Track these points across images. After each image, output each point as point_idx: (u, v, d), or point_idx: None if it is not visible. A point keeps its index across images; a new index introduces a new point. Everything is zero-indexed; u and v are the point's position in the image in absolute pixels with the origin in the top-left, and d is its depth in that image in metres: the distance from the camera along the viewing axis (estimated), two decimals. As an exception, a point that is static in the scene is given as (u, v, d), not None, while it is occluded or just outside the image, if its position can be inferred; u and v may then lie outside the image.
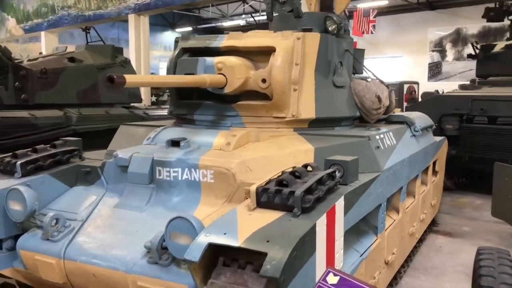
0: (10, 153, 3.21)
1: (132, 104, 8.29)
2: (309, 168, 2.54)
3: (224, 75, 3.25)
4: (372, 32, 18.09)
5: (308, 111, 3.40)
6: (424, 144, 4.54)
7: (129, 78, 2.32)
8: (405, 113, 4.65)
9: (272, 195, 2.20)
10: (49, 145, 3.38)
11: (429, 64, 22.91)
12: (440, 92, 7.71)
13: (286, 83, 3.27)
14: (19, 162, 3.01)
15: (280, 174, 2.43)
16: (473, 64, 21.07)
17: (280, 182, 2.26)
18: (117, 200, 2.98)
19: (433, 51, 22.86)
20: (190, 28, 28.90)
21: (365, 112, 3.82)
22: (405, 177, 3.77)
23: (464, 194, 7.63)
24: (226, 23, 27.79)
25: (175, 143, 3.02)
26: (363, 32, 16.25)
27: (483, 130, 6.65)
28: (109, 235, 2.67)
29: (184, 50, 3.60)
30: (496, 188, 4.03)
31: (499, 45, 8.33)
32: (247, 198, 2.67)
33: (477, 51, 8.47)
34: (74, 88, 6.82)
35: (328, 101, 3.54)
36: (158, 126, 3.76)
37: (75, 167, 3.29)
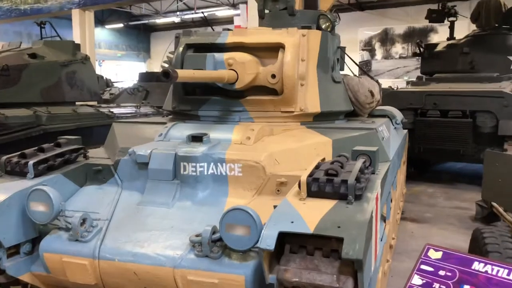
0: (17, 153, 3.04)
1: (78, 104, 7.83)
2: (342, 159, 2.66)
3: (235, 71, 3.30)
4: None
5: (314, 105, 3.52)
6: (401, 136, 4.85)
7: (179, 72, 2.33)
8: (382, 107, 4.91)
9: (323, 184, 2.29)
10: (53, 144, 3.24)
11: (359, 62, 23.98)
12: (394, 88, 8.17)
13: (296, 78, 3.37)
14: (31, 162, 2.86)
15: (317, 165, 2.52)
16: (399, 62, 22.23)
17: (327, 171, 2.35)
18: (138, 198, 2.93)
19: (363, 50, 23.98)
20: (121, 25, 28.08)
21: (359, 106, 4.02)
22: (397, 166, 4.02)
23: (416, 183, 8.15)
24: (159, 20, 27.33)
25: (195, 138, 3.02)
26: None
27: (436, 123, 7.15)
28: (143, 232, 2.63)
29: (188, 46, 3.59)
30: (487, 173, 4.41)
31: (441, 44, 8.95)
32: (278, 190, 2.77)
33: (422, 49, 9.03)
34: (38, 86, 6.43)
35: (329, 95, 3.69)
36: (153, 123, 3.75)
37: (85, 166, 3.17)
